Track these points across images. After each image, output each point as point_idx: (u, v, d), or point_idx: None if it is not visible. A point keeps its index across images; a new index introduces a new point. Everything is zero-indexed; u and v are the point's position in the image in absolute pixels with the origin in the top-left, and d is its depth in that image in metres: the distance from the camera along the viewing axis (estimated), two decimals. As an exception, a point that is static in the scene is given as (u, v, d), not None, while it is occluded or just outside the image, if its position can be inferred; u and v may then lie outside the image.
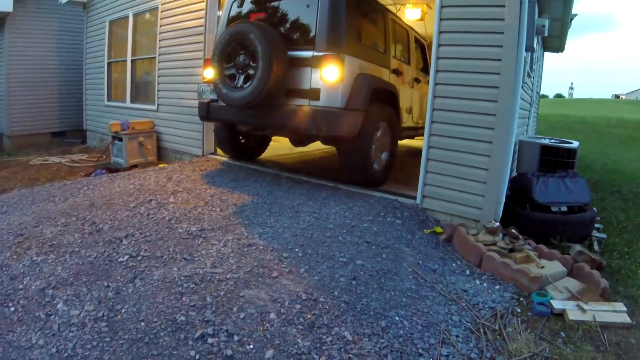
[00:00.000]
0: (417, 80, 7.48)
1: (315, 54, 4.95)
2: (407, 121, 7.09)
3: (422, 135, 7.57)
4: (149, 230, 3.93)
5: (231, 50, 5.25)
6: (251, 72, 5.03)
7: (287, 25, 5.44)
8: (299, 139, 6.13)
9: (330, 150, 8.30)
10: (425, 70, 7.90)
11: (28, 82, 11.82)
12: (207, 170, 6.26)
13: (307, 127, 4.89)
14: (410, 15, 8.30)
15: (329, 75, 4.85)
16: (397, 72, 6.43)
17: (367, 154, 5.38)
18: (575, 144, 5.99)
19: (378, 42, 6.17)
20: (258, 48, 4.88)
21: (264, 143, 7.42)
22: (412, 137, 8.00)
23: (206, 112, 5.98)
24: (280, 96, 5.13)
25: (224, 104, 5.48)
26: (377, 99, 5.55)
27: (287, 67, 4.98)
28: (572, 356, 2.88)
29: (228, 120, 6.12)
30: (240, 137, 6.88)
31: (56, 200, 4.85)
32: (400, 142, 7.79)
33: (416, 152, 8.24)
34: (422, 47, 8.35)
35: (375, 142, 5.56)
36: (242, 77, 5.18)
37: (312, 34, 5.09)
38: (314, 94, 4.95)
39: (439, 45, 4.69)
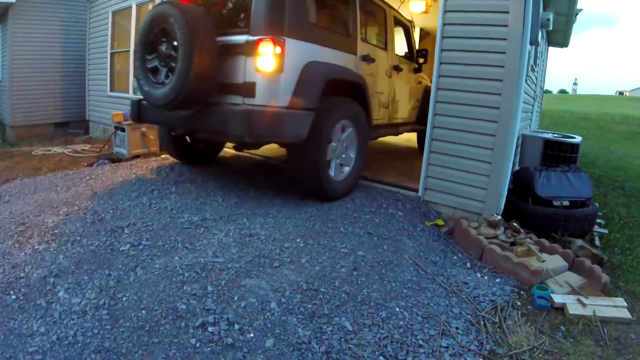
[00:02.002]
0: (397, 68, 6.35)
1: (250, 38, 4.01)
2: (383, 117, 6.11)
3: (409, 131, 7.28)
4: (150, 219, 3.94)
5: (154, 38, 4.29)
6: (173, 64, 4.09)
7: (221, 4, 4.61)
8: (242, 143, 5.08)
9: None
10: (411, 57, 7.14)
11: (31, 73, 11.82)
12: (213, 162, 6.25)
13: (237, 133, 3.95)
14: (415, 7, 8.23)
15: (265, 64, 3.92)
16: (367, 59, 5.36)
17: (320, 161, 4.39)
18: (578, 138, 5.98)
19: (340, 22, 5.17)
20: (177, 34, 3.95)
21: (219, 144, 6.27)
22: (395, 135, 7.15)
23: (137, 112, 4.98)
24: (213, 93, 4.20)
25: None
26: (336, 93, 4.72)
27: (215, 56, 4.06)
28: (572, 350, 2.88)
29: (158, 123, 5.25)
30: (187, 139, 5.73)
31: (58, 190, 4.86)
32: (400, 135, 7.43)
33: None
34: (406, 29, 7.26)
35: (332, 147, 4.59)
36: (164, 71, 4.26)
37: (247, 13, 4.16)
38: (249, 89, 4.02)
39: (443, 38, 4.66)
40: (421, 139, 7.85)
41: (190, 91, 3.99)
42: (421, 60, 7.28)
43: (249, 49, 3.99)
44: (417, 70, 7.34)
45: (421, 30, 10.77)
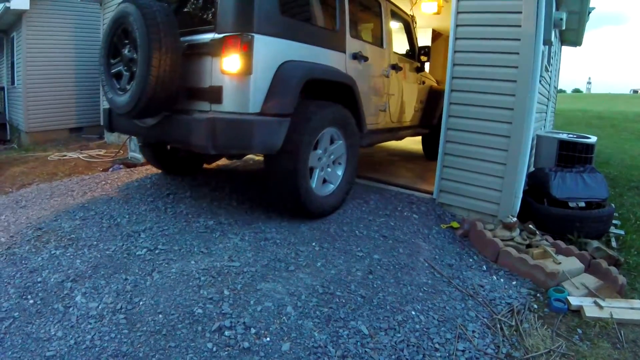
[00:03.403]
0: (396, 67, 5.80)
1: (215, 36, 3.59)
2: (380, 122, 5.58)
3: (412, 135, 6.82)
4: (166, 223, 3.96)
5: (117, 41, 3.89)
6: (135, 68, 3.65)
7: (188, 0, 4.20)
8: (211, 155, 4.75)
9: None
10: (412, 55, 6.59)
11: (45, 79, 11.96)
12: (227, 165, 6.27)
13: (200, 144, 3.51)
14: (427, 8, 8.20)
15: (231, 66, 3.49)
16: (359, 58, 4.83)
17: (298, 174, 3.88)
18: (593, 138, 5.94)
19: (324, 15, 4.53)
20: (136, 34, 3.55)
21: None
22: (397, 140, 6.71)
23: (108, 121, 4.58)
24: (180, 99, 3.78)
25: None
26: (318, 95, 4.31)
27: (179, 58, 3.63)
28: (589, 353, 2.86)
29: (128, 132, 4.82)
30: (168, 147, 5.27)
31: (74, 195, 4.89)
32: (402, 140, 6.93)
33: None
34: (406, 24, 6.66)
35: (316, 155, 4.14)
36: (127, 76, 3.83)
37: (214, 8, 3.76)
38: (215, 94, 3.60)
39: (456, 39, 4.65)
40: (427, 143, 7.66)
41: (151, 98, 3.58)
42: (424, 59, 6.72)
43: (215, 48, 3.58)
44: (420, 70, 6.77)
45: (433, 31, 10.73)
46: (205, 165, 5.97)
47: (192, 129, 3.57)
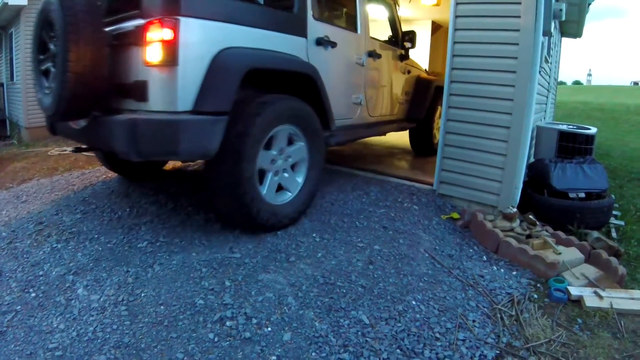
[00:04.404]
0: (374, 55, 5.21)
1: (140, 22, 3.04)
2: (355, 116, 5.02)
3: (397, 129, 6.34)
4: (167, 216, 3.97)
5: (45, 34, 3.34)
6: None
7: None
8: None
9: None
10: (395, 41, 6.01)
11: (45, 74, 11.90)
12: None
13: (122, 150, 3.00)
14: (426, 0, 8.19)
15: (154, 56, 2.94)
16: (325, 43, 4.24)
17: (241, 181, 3.33)
18: (593, 130, 5.93)
19: None
20: (55, 25, 3.03)
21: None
22: (377, 135, 6.07)
23: (49, 124, 4.02)
24: (111, 97, 3.25)
25: None
26: (273, 88, 3.86)
27: (103, 50, 3.09)
28: (589, 343, 2.87)
29: (67, 136, 3.97)
30: None
31: (75, 189, 4.91)
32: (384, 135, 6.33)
33: None
34: (388, 7, 6.04)
35: (266, 159, 3.61)
36: (53, 73, 3.24)
37: None
38: (140, 90, 3.05)
39: (456, 30, 4.63)
40: (415, 138, 7.13)
41: (72, 97, 3.06)
42: (408, 45, 6.11)
43: (138, 37, 3.03)
44: (404, 58, 6.20)
45: (433, 23, 10.72)
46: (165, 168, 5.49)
47: (113, 133, 3.06)
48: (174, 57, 2.92)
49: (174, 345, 2.51)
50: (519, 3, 4.17)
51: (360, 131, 5.27)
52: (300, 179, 3.97)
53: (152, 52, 2.94)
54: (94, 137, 3.48)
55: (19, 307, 2.85)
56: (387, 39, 5.90)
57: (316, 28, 4.17)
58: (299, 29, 3.99)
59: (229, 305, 2.79)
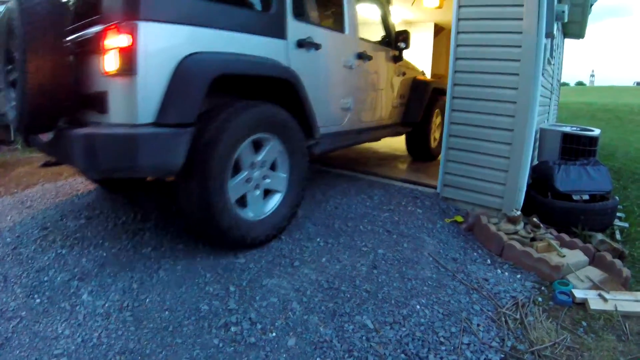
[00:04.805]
0: (364, 56, 4.94)
1: (100, 28, 2.81)
2: (344, 122, 4.76)
3: (392, 134, 6.13)
4: (171, 221, 3.97)
5: (11, 42, 3.08)
6: None
7: None
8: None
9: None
10: (388, 42, 5.76)
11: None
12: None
13: (82, 166, 2.87)
14: (429, 3, 8.18)
15: (111, 64, 2.71)
16: (308, 46, 4.00)
17: (211, 197, 3.09)
18: (596, 131, 5.92)
19: None
20: (16, 34, 2.84)
21: None
22: (370, 141, 5.79)
23: (24, 137, 3.59)
24: (75, 109, 3.06)
25: None
26: (248, 95, 3.64)
27: (64, 58, 2.90)
28: (594, 346, 2.86)
29: (39, 149, 3.68)
30: None
31: (79, 194, 4.92)
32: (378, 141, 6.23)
33: None
34: (380, 5, 5.76)
35: (237, 174, 3.33)
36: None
37: None
38: (100, 101, 2.85)
39: (458, 33, 4.64)
40: (411, 142, 6.89)
41: (34, 109, 2.87)
42: (402, 46, 5.83)
43: (97, 44, 2.80)
44: (398, 59, 5.92)
45: (435, 25, 10.71)
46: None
47: (73, 147, 2.82)
48: (132, 66, 2.69)
49: (178, 350, 2.51)
50: (522, 5, 4.17)
51: (350, 138, 5.01)
52: (279, 194, 3.71)
53: (110, 61, 2.72)
54: (59, 151, 3.20)
55: (24, 313, 2.86)
56: (379, 39, 5.67)
57: (297, 29, 3.91)
58: (277, 31, 3.73)
59: (233, 311, 2.80)
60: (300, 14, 3.95)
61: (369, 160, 6.84)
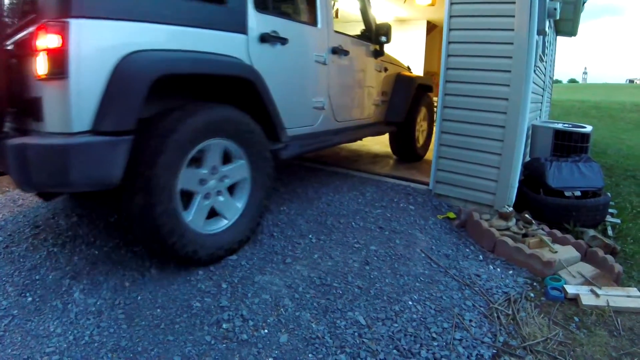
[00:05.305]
0: (339, 51, 4.59)
1: (33, 28, 2.55)
2: (317, 123, 4.45)
3: (374, 134, 5.82)
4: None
5: None
6: None
7: None
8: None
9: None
10: (368, 36, 5.37)
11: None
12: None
13: (16, 179, 2.62)
14: (422, 0, 8.20)
15: (42, 67, 2.42)
16: (272, 40, 3.66)
17: (156, 209, 2.77)
18: (588, 128, 5.94)
19: None
20: None
21: None
22: (351, 142, 5.55)
23: None
24: (12, 116, 2.85)
25: None
26: (207, 96, 3.45)
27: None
28: (586, 341, 2.88)
29: None
30: None
31: (71, 193, 4.89)
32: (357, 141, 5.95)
33: None
34: None
35: (193, 178, 3.05)
36: None
37: None
38: (35, 108, 2.56)
39: (450, 30, 4.64)
40: (396, 142, 6.57)
41: None
42: (383, 40, 5.41)
43: (30, 45, 2.54)
44: (379, 54, 5.56)
45: (428, 23, 10.74)
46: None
47: (7, 158, 2.58)
48: (63, 69, 2.40)
49: (170, 348, 2.51)
50: (513, 2, 4.18)
51: (325, 139, 4.61)
52: (240, 204, 3.41)
53: (40, 64, 2.44)
54: (1, 161, 2.82)
55: (16, 311, 2.85)
56: (358, 33, 5.33)
57: (260, 22, 3.57)
58: (235, 24, 3.37)
59: (225, 308, 2.79)
60: (263, 6, 3.63)
61: (361, 157, 6.84)
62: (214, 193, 3.22)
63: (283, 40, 3.77)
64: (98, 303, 2.87)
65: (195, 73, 3.02)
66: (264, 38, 3.58)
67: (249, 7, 3.45)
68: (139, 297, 2.90)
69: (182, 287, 2.98)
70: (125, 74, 2.57)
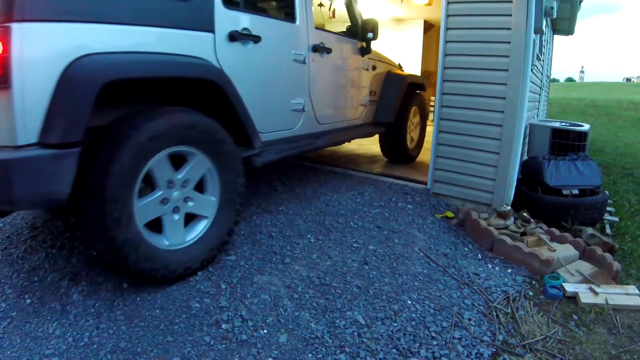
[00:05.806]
0: (320, 49, 4.32)
1: None
2: (297, 126, 4.20)
3: (362, 136, 5.61)
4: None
5: None
6: None
7: None
8: None
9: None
10: (354, 32, 5.14)
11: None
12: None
13: None
14: (418, 0, 8.21)
15: None
16: (243, 39, 3.40)
17: (111, 225, 2.54)
18: (586, 126, 5.95)
19: None
20: None
21: None
22: (336, 144, 5.35)
23: None
24: None
25: None
26: (170, 101, 3.26)
27: None
28: (585, 339, 2.89)
29: None
30: None
31: (69, 193, 4.89)
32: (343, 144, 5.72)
33: None
34: None
35: (151, 195, 2.81)
36: None
37: None
38: None
39: (447, 29, 4.64)
40: (386, 143, 6.34)
41: None
42: (369, 37, 5.13)
43: None
44: (366, 51, 5.28)
45: (425, 22, 10.74)
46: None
47: None
48: (6, 77, 2.18)
49: (170, 349, 2.50)
50: (510, 1, 4.18)
51: (306, 143, 4.35)
52: (208, 219, 3.18)
53: None
54: None
55: (15, 313, 2.84)
56: (343, 30, 5.11)
57: (229, 19, 3.30)
58: (201, 22, 3.11)
59: (224, 308, 2.79)
60: (232, 2, 3.35)
61: (359, 157, 6.84)
62: (182, 203, 2.99)
63: (255, 39, 3.51)
64: (97, 304, 2.86)
65: (150, 77, 2.78)
66: (234, 36, 3.32)
67: (216, 3, 3.20)
68: (138, 298, 2.89)
69: (181, 287, 2.98)
70: (71, 81, 2.36)
